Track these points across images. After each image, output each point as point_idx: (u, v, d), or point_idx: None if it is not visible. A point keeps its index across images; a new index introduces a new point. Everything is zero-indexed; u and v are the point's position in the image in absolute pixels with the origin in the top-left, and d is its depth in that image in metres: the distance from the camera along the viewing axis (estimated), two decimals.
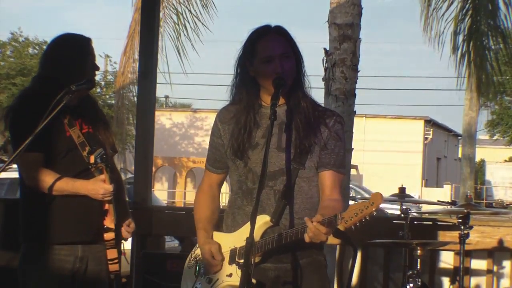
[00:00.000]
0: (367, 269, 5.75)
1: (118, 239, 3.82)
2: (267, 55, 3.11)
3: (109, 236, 3.77)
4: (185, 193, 36.33)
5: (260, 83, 3.17)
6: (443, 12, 11.30)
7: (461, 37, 11.18)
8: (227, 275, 3.21)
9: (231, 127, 3.23)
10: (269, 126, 3.00)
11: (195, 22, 12.46)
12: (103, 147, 3.76)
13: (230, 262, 3.20)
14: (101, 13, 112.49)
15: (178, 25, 13.16)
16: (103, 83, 31.75)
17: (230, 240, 3.21)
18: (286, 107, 3.17)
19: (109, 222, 3.76)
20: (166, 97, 42.60)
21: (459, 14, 11.06)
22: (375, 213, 2.82)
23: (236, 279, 3.10)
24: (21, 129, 3.58)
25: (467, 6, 10.85)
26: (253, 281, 2.89)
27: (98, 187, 3.65)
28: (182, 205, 31.85)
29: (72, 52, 3.81)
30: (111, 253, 3.80)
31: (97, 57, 3.95)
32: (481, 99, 17.64)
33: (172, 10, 13.17)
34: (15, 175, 3.87)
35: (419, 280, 4.77)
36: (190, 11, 12.54)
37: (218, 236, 3.30)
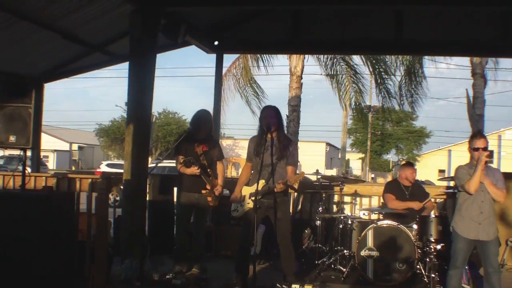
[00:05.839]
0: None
1: (213, 192, 8.05)
2: (263, 116, 7.23)
3: (205, 191, 8.02)
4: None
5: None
6: None
7: None
8: (247, 203, 7.24)
9: (254, 144, 7.32)
10: (268, 144, 6.97)
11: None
12: (211, 158, 8.13)
13: (249, 197, 7.20)
14: None
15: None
16: None
17: (251, 189, 7.19)
18: (276, 137, 7.11)
19: (207, 185, 8.01)
20: None
21: None
22: (300, 179, 6.94)
23: (251, 204, 7.06)
24: (175, 146, 8.16)
25: None
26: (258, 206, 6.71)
27: (190, 171, 7.95)
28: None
29: (194, 118, 8.20)
30: (209, 198, 8.07)
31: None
32: None
33: None
34: (172, 165, 10.43)
35: None
36: None
37: (246, 188, 7.36)
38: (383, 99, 19.14)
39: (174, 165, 8.46)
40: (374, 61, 18.44)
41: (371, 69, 18.80)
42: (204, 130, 8.12)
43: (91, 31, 9.48)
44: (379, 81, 18.91)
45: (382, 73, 18.79)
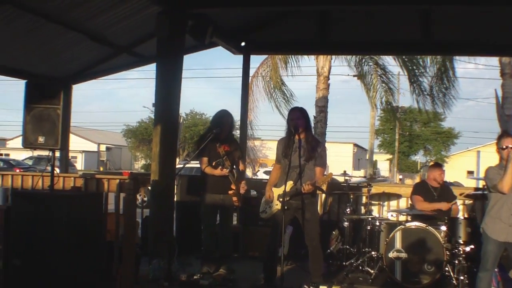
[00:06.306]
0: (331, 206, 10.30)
1: (238, 192, 8.12)
2: (290, 118, 7.23)
3: (231, 191, 8.08)
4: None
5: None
6: None
7: None
8: (276, 205, 7.30)
9: (282, 146, 7.33)
10: (295, 146, 7.01)
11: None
12: (233, 158, 8.15)
13: (278, 199, 7.22)
14: None
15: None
16: None
17: (279, 190, 7.23)
18: (304, 139, 7.16)
19: (232, 185, 8.08)
20: None
21: None
22: (328, 180, 7.09)
23: (279, 206, 7.11)
24: (200, 148, 7.97)
25: None
26: (286, 207, 6.81)
27: (220, 172, 8.00)
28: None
29: (216, 118, 8.20)
30: (234, 198, 8.14)
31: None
32: None
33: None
34: (196, 165, 9.29)
35: None
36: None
37: (274, 189, 7.38)
38: (418, 97, 18.94)
39: None
40: (406, 60, 18.28)
41: (403, 68, 18.58)
42: (225, 130, 8.15)
43: (118, 33, 9.54)
44: (412, 79, 18.73)
45: (416, 71, 18.63)
